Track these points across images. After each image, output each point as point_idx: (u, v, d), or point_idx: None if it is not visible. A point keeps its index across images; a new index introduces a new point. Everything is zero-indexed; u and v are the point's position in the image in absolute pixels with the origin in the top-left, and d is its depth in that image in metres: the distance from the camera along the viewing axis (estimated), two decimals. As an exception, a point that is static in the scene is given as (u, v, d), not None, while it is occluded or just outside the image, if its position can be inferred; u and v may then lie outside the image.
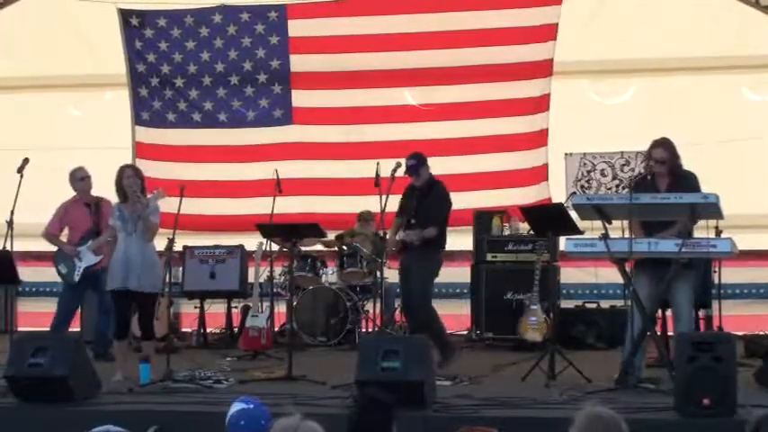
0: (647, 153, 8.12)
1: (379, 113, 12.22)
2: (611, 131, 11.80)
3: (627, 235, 8.04)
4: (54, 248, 9.98)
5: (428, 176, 9.16)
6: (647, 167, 8.10)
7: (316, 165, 12.35)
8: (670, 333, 8.89)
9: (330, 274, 11.49)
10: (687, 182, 7.92)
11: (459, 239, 10.49)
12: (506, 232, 11.31)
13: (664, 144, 8.00)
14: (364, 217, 11.44)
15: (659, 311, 8.73)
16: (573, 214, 8.40)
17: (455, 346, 9.20)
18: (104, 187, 10.00)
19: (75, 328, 10.45)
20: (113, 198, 8.95)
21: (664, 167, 7.93)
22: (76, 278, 9.74)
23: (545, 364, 8.05)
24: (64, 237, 10.01)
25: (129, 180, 8.52)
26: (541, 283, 10.19)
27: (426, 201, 9.09)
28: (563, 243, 9.23)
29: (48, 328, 9.72)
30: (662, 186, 7.96)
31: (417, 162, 9.07)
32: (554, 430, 4.96)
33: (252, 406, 4.31)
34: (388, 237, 9.36)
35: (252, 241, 10.93)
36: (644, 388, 7.41)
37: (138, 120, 12.73)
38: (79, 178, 9.95)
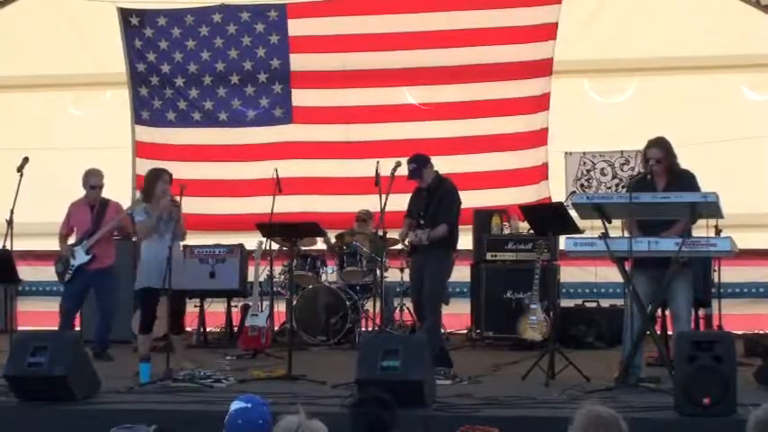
0: (642, 152, 8.12)
1: (379, 113, 12.21)
2: (611, 131, 11.79)
3: (625, 234, 8.05)
4: None
5: (433, 176, 8.93)
6: (645, 167, 8.10)
7: (316, 164, 12.34)
8: (670, 333, 8.88)
9: (330, 274, 11.47)
10: (685, 180, 7.92)
11: (459, 238, 10.47)
12: (506, 231, 11.30)
13: (659, 143, 8.01)
14: (362, 217, 11.42)
15: (659, 311, 8.72)
16: (573, 213, 8.40)
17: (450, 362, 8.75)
18: (104, 186, 10.02)
19: (75, 327, 10.45)
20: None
21: (660, 166, 7.93)
22: (67, 276, 9.77)
23: (545, 364, 8.04)
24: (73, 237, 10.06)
25: (166, 185, 8.62)
26: (541, 282, 10.19)
27: (434, 200, 8.86)
28: (563, 242, 9.21)
29: (47, 328, 9.72)
30: (659, 185, 7.96)
31: (418, 165, 8.84)
32: (554, 429, 4.97)
33: (251, 405, 4.29)
34: (399, 233, 9.20)
35: (252, 240, 10.93)
36: (644, 387, 7.41)
37: (137, 119, 12.71)
38: (90, 186, 9.92)
